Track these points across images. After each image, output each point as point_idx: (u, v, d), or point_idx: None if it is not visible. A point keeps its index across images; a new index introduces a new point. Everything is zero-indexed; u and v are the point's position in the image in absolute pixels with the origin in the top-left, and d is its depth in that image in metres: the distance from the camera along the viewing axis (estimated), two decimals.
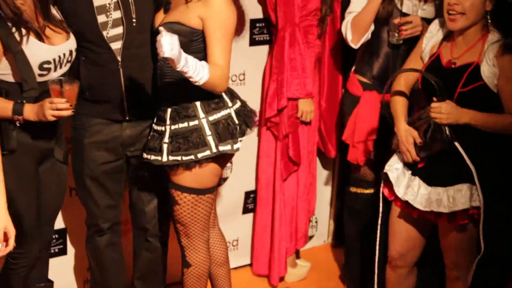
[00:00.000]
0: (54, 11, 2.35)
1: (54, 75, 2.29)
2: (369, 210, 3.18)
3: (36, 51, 2.22)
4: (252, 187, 3.42)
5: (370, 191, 3.23)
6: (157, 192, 2.71)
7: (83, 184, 2.61)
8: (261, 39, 3.19)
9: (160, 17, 2.41)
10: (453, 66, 2.39)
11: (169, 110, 2.39)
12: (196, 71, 2.19)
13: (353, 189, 3.28)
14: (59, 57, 2.28)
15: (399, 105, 2.55)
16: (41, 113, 2.21)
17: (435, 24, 2.60)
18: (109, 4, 2.42)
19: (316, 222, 3.79)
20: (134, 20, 2.45)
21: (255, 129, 3.14)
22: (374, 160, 3.16)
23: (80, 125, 2.53)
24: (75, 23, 2.40)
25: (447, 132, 2.35)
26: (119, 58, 2.42)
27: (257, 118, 2.65)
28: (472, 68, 2.36)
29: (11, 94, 2.23)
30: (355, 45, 2.93)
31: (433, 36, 2.61)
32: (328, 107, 3.33)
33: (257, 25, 3.16)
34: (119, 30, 2.43)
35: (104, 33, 2.41)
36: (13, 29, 2.17)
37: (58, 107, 2.19)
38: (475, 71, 2.35)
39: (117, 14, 2.42)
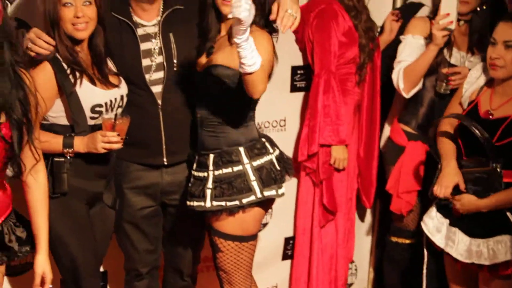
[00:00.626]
0: (109, 63, 2.41)
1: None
2: (410, 259, 3.16)
3: (89, 94, 2.27)
4: (291, 233, 3.40)
5: (411, 241, 3.18)
6: (194, 237, 2.70)
7: (121, 229, 2.62)
8: (301, 85, 3.21)
9: (202, 61, 2.44)
10: (490, 117, 2.37)
11: (211, 155, 2.38)
12: (253, 53, 2.12)
13: (394, 239, 3.24)
14: (111, 101, 2.32)
15: (448, 145, 2.54)
16: (92, 145, 2.25)
17: (476, 70, 2.58)
18: (154, 48, 2.46)
19: (356, 269, 3.71)
20: (175, 65, 2.48)
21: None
22: (418, 210, 3.11)
23: (119, 170, 2.54)
24: (120, 65, 2.45)
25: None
26: (159, 102, 2.45)
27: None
28: (508, 122, 2.34)
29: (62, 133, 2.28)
30: (406, 94, 2.94)
31: (473, 82, 2.60)
32: (365, 156, 3.31)
33: (298, 72, 3.18)
34: (161, 74, 2.47)
35: (147, 76, 2.45)
36: (68, 71, 2.23)
37: (110, 140, 2.23)
38: (511, 125, 2.35)
39: (160, 59, 2.46)
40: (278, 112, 3.13)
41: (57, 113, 2.28)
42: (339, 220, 3.23)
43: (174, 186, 2.57)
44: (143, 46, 2.44)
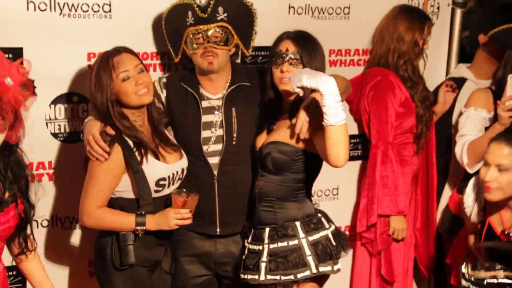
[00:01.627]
0: (168, 134, 2.49)
1: (167, 191, 2.41)
2: None
3: (153, 169, 2.37)
4: None
5: None
6: None
7: None
8: (355, 154, 3.24)
9: (262, 137, 2.48)
10: (510, 238, 2.41)
11: (267, 229, 2.41)
12: (336, 105, 2.14)
13: None
14: (173, 174, 2.41)
15: None
16: (164, 222, 2.36)
17: (471, 184, 2.63)
18: (216, 121, 2.53)
19: None
20: (234, 139, 2.52)
21: None
22: None
23: (176, 237, 2.59)
24: (180, 134, 2.54)
25: None
26: (215, 173, 2.51)
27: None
28: None
29: (127, 209, 2.38)
30: (469, 169, 2.96)
31: (472, 205, 2.67)
32: (423, 227, 3.28)
33: (351, 141, 3.15)
34: (220, 146, 2.53)
35: (205, 147, 2.51)
36: (134, 149, 2.32)
37: (184, 217, 2.34)
38: None
39: (220, 132, 2.53)
40: (331, 181, 3.16)
41: (124, 188, 2.36)
42: None
43: (227, 257, 2.61)
44: (205, 118, 2.53)
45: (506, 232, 2.46)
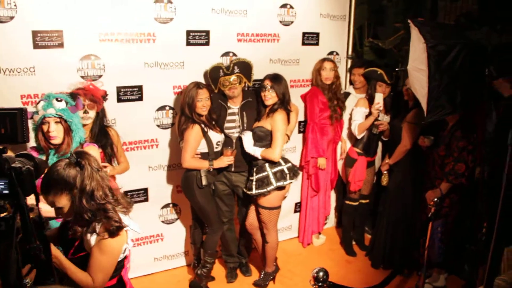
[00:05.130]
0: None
1: (219, 148, 3.83)
2: (355, 212, 4.87)
3: (213, 136, 3.79)
4: (299, 199, 5.09)
5: (356, 203, 4.84)
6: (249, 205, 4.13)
7: (215, 200, 4.09)
8: (302, 130, 5.01)
9: (256, 124, 3.95)
10: None
11: (254, 168, 3.86)
12: (253, 151, 3.63)
13: (347, 202, 4.90)
14: (220, 140, 3.84)
15: None
16: (222, 163, 3.72)
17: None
18: (236, 119, 3.98)
19: (328, 218, 5.46)
20: (245, 125, 4.01)
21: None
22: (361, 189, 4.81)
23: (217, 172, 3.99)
24: (219, 124, 3.89)
25: None
26: (234, 140, 4.05)
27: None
28: None
29: (203, 158, 3.76)
30: (358, 136, 4.53)
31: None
32: (333, 164, 4.98)
33: (301, 123, 4.91)
34: (237, 129, 3.99)
35: (227, 131, 3.97)
36: (203, 126, 3.71)
37: (231, 160, 3.78)
38: None
39: (238, 123, 4.00)
40: (292, 143, 4.85)
41: (203, 146, 3.78)
42: (320, 195, 4.94)
43: (238, 182, 4.11)
44: (229, 117, 4.02)
45: None
